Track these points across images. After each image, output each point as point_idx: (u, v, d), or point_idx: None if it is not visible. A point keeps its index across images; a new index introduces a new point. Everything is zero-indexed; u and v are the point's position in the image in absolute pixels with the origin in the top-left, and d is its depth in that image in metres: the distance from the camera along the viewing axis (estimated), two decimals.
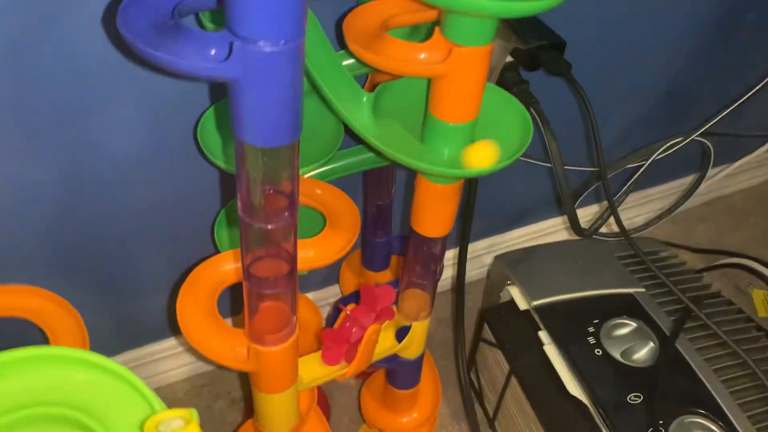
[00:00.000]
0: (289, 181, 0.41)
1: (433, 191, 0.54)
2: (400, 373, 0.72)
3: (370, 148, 0.68)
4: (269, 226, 0.43)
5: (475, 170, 0.49)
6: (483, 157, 0.49)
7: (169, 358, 0.92)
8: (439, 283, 0.70)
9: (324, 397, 0.93)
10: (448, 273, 1.07)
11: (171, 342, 0.90)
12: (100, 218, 0.70)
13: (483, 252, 1.07)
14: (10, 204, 0.64)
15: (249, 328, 0.51)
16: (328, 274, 0.96)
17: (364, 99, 0.51)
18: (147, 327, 0.87)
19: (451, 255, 1.04)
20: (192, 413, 0.38)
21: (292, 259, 0.47)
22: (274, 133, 0.37)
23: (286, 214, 0.43)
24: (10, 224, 0.66)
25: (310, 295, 0.96)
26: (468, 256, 0.81)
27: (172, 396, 0.94)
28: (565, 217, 1.09)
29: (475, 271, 1.10)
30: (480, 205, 0.81)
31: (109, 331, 0.84)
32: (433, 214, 0.56)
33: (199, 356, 0.94)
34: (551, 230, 1.10)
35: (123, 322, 0.84)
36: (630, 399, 0.71)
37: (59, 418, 0.40)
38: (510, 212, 1.04)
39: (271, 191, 0.41)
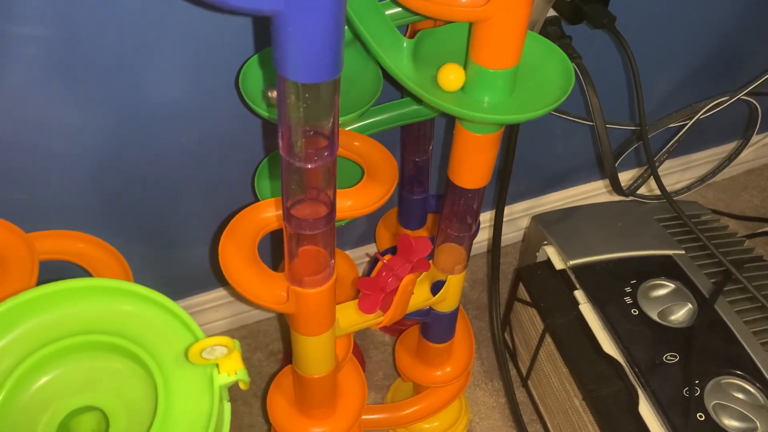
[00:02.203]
0: (329, 120, 0.41)
1: (472, 141, 0.53)
2: (434, 327, 0.73)
3: (412, 98, 0.68)
4: (309, 165, 0.43)
5: (509, 117, 0.49)
6: (453, 77, 0.49)
7: (208, 311, 0.94)
8: (475, 246, 0.70)
9: (359, 350, 0.95)
10: (485, 235, 1.07)
11: (210, 295, 0.92)
12: (143, 168, 0.71)
13: (520, 214, 1.07)
14: (56, 151, 0.66)
15: (289, 271, 0.51)
16: (365, 233, 0.96)
17: (404, 45, 0.51)
18: (186, 280, 0.89)
19: (488, 217, 1.03)
20: (234, 342, 0.39)
21: (331, 202, 0.47)
22: (315, 68, 0.37)
23: (326, 153, 0.43)
24: (56, 172, 0.68)
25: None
26: (505, 219, 0.81)
27: None
28: (605, 182, 1.08)
29: (512, 233, 1.09)
30: (518, 166, 0.80)
31: (150, 284, 0.86)
32: (471, 164, 0.56)
33: (238, 309, 0.96)
34: (590, 194, 1.09)
35: (164, 274, 0.86)
36: (666, 358, 0.70)
37: (107, 345, 0.42)
38: (548, 174, 1.03)
39: (312, 132, 0.42)
